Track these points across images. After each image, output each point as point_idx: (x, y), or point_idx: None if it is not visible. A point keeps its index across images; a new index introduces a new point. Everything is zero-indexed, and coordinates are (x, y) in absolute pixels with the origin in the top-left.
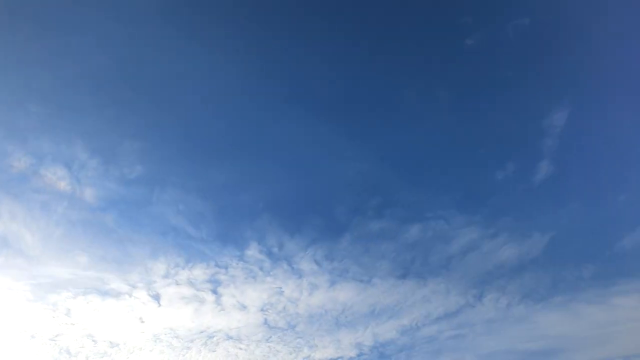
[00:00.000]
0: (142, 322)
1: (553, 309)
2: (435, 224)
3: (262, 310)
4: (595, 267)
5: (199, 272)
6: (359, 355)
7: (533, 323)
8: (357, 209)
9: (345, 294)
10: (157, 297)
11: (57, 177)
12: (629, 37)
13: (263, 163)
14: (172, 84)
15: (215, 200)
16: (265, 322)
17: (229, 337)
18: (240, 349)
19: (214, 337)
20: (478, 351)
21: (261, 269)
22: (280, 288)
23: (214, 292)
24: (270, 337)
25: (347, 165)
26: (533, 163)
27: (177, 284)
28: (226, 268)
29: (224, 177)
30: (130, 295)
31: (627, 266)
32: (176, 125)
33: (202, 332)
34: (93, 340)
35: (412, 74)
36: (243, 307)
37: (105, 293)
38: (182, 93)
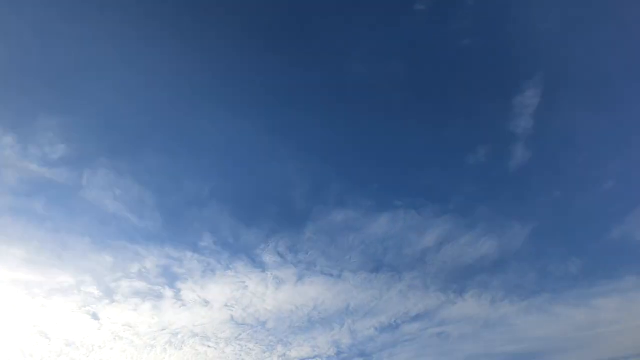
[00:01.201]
0: (97, 319)
1: (534, 310)
2: (406, 214)
3: (226, 306)
4: (583, 262)
5: (151, 265)
6: (338, 354)
7: (513, 325)
8: (315, 197)
9: (316, 289)
10: (109, 292)
11: None
12: (607, 9)
13: (201, 149)
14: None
15: (154, 186)
16: (232, 318)
17: (195, 335)
18: (209, 347)
19: (178, 334)
20: (458, 354)
21: (219, 261)
22: (244, 282)
23: (171, 286)
24: (240, 334)
25: (302, 150)
26: (506, 146)
27: (129, 278)
28: (180, 261)
29: (159, 160)
30: (78, 291)
31: (616, 260)
32: (100, 99)
33: (164, 329)
34: (47, 338)
35: (364, 47)
36: (206, 303)
37: (51, 288)
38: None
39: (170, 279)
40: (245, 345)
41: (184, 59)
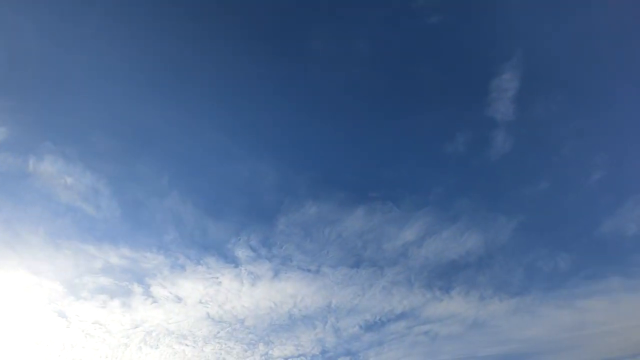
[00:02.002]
0: (64, 317)
1: (522, 309)
2: (383, 206)
3: (201, 302)
4: (572, 258)
5: (114, 260)
6: (322, 353)
7: (499, 326)
8: (286, 189)
9: (294, 285)
10: (73, 289)
11: None
12: None
13: (156, 134)
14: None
15: (107, 173)
16: (208, 315)
17: (170, 333)
18: (187, 345)
19: (152, 332)
20: (446, 354)
21: (188, 256)
22: (217, 278)
23: (140, 282)
24: (218, 332)
25: (270, 141)
26: (485, 134)
27: (92, 274)
28: (145, 255)
29: (109, 145)
30: (40, 286)
31: (608, 254)
32: (43, 80)
33: (136, 327)
34: (13, 337)
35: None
36: (178, 299)
37: (7, 283)
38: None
39: (137, 274)
40: (225, 344)
41: (137, 39)
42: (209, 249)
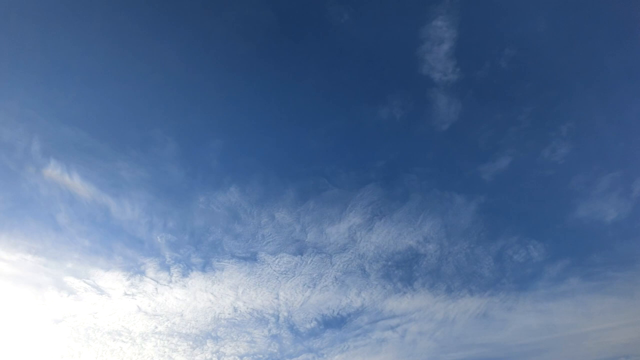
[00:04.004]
0: None
1: (492, 308)
2: (316, 183)
3: (126, 294)
4: (547, 246)
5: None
6: (281, 351)
7: (470, 325)
8: (200, 166)
9: (231, 273)
10: None
11: None
12: None
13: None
14: None
15: None
16: (139, 309)
17: (98, 328)
18: (123, 342)
19: (78, 328)
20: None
21: (96, 242)
22: (139, 267)
23: (47, 274)
24: (156, 327)
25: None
26: (422, 93)
27: None
28: (41, 240)
29: None
30: None
31: (584, 243)
32: None
33: (58, 321)
34: None
35: None
36: (100, 291)
37: None
38: None
39: (44, 264)
40: (168, 340)
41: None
42: (120, 234)
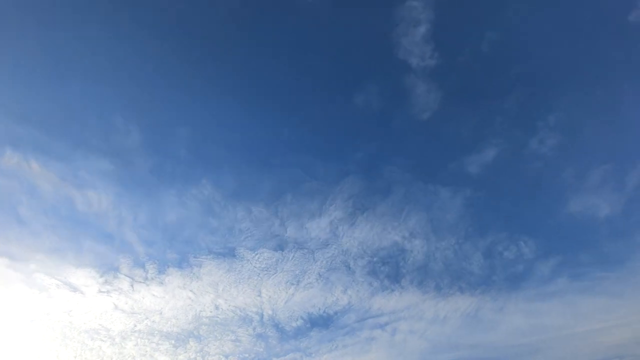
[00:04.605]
0: None
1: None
2: (292, 175)
3: (100, 291)
4: (537, 243)
5: None
6: (267, 350)
7: (456, 329)
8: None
9: (209, 270)
10: None
11: None
12: None
13: None
14: None
15: None
16: (116, 307)
17: (74, 327)
18: (102, 341)
19: (53, 327)
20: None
21: (64, 238)
22: (112, 264)
23: (12, 267)
24: (135, 325)
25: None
26: (399, 79)
27: None
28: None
29: None
30: None
31: (575, 240)
32: None
33: (31, 320)
34: None
35: None
36: (73, 288)
37: None
38: None
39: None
40: (149, 339)
41: None
42: (88, 228)
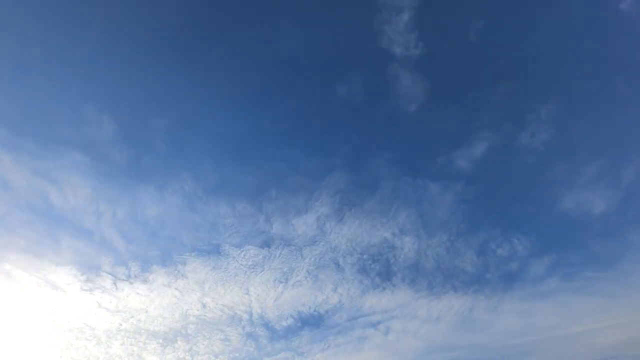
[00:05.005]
0: None
1: (471, 311)
2: (274, 169)
3: (83, 289)
4: (531, 241)
5: None
6: (258, 349)
7: (450, 328)
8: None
9: (195, 267)
10: None
11: None
12: None
13: None
14: None
15: None
16: (99, 305)
17: (57, 325)
18: (87, 340)
19: (36, 325)
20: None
21: (39, 231)
22: (92, 262)
23: None
24: (121, 324)
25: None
26: (382, 69)
27: None
28: None
29: None
30: None
31: (572, 236)
32: None
33: (12, 318)
34: None
35: None
36: (53, 286)
37: None
38: None
39: None
40: (135, 338)
41: None
42: (65, 224)
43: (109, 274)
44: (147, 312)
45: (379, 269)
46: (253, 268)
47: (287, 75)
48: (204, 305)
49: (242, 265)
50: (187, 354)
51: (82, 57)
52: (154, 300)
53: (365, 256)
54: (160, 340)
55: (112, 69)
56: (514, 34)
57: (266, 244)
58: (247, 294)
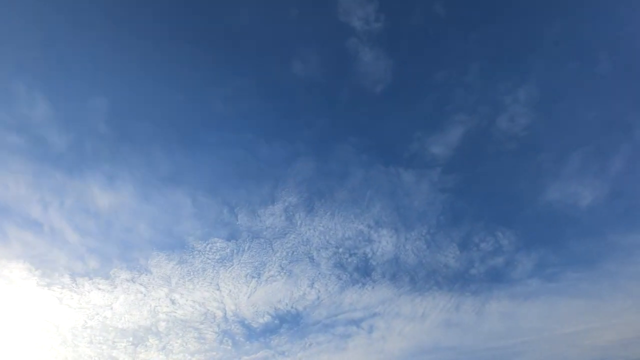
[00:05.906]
0: None
1: (457, 309)
2: (230, 154)
3: (39, 285)
4: (516, 234)
5: None
6: (236, 347)
7: (435, 326)
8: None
9: (158, 262)
10: None
11: None
12: None
13: None
14: None
15: None
16: (60, 301)
17: (18, 323)
18: (52, 338)
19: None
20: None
21: None
22: (45, 256)
23: None
24: (86, 322)
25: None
26: (340, 45)
27: None
28: None
29: None
30: None
31: (556, 228)
32: None
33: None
34: None
35: None
36: (8, 281)
37: None
38: None
39: None
40: (103, 336)
41: None
42: (8, 213)
43: (66, 268)
44: (112, 308)
45: (357, 263)
46: (221, 262)
47: (237, 50)
48: (173, 302)
49: (209, 259)
50: (160, 352)
51: (9, 29)
52: (118, 296)
53: (340, 250)
54: (131, 339)
55: (42, 40)
56: (486, 6)
57: (232, 236)
58: (219, 289)
